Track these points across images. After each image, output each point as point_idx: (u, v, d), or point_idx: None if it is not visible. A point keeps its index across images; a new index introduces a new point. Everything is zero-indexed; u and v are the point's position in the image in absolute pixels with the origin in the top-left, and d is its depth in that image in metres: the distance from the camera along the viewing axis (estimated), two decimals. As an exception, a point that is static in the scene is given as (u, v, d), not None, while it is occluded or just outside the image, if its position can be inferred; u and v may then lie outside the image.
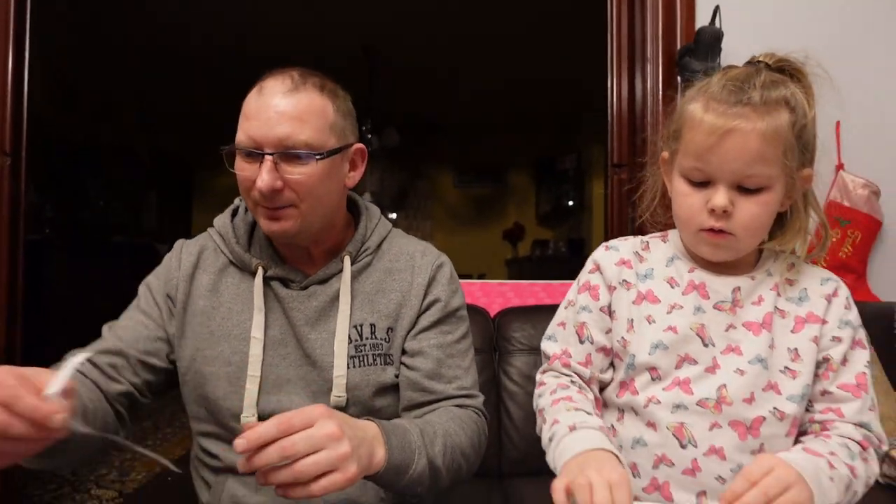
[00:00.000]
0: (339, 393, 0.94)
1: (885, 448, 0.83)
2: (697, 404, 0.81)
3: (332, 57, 4.42)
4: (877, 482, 1.47)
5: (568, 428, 0.79)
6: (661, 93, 1.96)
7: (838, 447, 0.79)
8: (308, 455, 0.67)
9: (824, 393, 0.84)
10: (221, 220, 1.05)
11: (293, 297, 0.98)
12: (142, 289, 1.02)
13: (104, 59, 4.52)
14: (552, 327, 0.95)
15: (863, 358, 0.84)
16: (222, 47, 4.25)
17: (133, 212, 5.36)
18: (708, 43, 1.84)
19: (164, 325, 0.98)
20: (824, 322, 0.84)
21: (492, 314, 1.80)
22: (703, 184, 0.81)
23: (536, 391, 0.92)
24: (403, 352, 1.00)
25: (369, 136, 4.85)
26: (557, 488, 0.67)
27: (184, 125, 5.95)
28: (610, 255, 0.93)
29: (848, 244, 1.94)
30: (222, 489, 0.95)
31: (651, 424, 0.83)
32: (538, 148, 6.54)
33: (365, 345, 0.97)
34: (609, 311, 0.91)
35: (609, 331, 0.90)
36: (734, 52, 1.92)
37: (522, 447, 1.61)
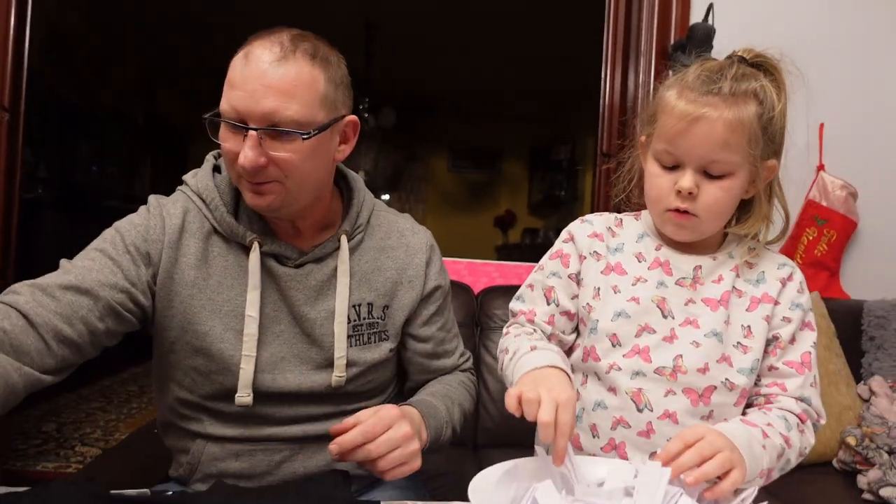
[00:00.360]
0: (339, 373, 0.95)
1: (822, 422, 0.89)
2: (655, 371, 0.87)
3: (332, 32, 4.43)
4: (833, 467, 1.55)
5: (529, 348, 0.86)
6: (652, 85, 2.00)
7: (776, 419, 0.85)
8: (388, 453, 0.82)
9: (771, 368, 0.89)
10: (201, 181, 0.95)
11: (289, 275, 0.94)
12: (111, 233, 0.91)
13: (103, 21, 4.50)
14: (522, 289, 1.00)
15: (810, 338, 0.90)
16: (221, 15, 4.24)
17: (126, 177, 5.36)
18: (700, 39, 1.89)
19: (135, 279, 0.88)
20: (777, 303, 0.90)
21: (476, 292, 1.85)
22: (673, 167, 0.86)
23: (500, 341, 0.97)
24: (409, 335, 1.05)
25: (366, 115, 4.86)
26: (511, 394, 0.72)
27: (181, 92, 5.93)
28: (584, 228, 0.98)
29: (824, 242, 2.01)
30: (201, 453, 0.95)
31: (612, 389, 0.88)
32: (533, 137, 6.58)
33: (362, 324, 0.98)
34: (577, 280, 0.96)
35: (575, 297, 0.95)
36: (725, 49, 1.96)
37: (498, 419, 1.67)
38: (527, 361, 0.82)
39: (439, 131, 6.68)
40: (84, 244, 0.93)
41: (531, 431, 0.96)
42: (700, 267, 0.91)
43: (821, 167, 2.01)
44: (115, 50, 4.95)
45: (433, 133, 6.69)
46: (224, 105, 0.85)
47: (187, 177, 0.98)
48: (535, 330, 0.94)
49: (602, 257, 0.95)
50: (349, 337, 0.96)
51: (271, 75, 0.82)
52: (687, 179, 0.84)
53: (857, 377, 1.73)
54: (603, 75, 2.15)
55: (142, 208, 0.95)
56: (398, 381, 1.11)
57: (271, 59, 0.83)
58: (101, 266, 0.86)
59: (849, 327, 1.79)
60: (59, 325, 0.79)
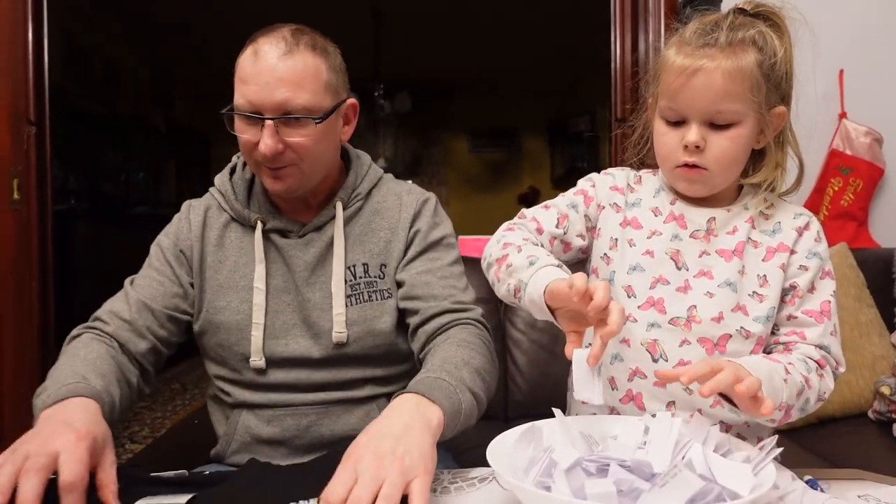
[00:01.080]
0: (339, 329, 1.00)
1: (841, 370, 0.89)
2: (669, 322, 0.88)
3: (341, 22, 4.44)
4: (868, 418, 1.53)
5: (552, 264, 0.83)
6: (663, 47, 1.97)
7: (797, 360, 0.85)
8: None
9: (790, 318, 0.89)
10: (220, 178, 1.10)
11: (291, 245, 1.03)
12: (153, 249, 1.07)
13: (118, 30, 4.58)
14: (536, 207, 1.00)
15: (829, 287, 0.89)
16: (232, 15, 4.28)
17: (153, 183, 5.48)
18: (709, -7, 1.85)
19: (179, 280, 1.04)
20: (793, 252, 0.89)
21: (497, 267, 1.86)
22: (678, 123, 0.87)
23: (502, 233, 0.96)
24: (397, 284, 1.05)
25: (381, 101, 4.87)
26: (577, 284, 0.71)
27: (200, 95, 6.02)
28: (606, 179, 0.99)
29: (850, 192, 1.96)
30: (237, 421, 1.04)
31: (626, 341, 0.90)
32: (551, 111, 6.51)
33: (359, 283, 1.03)
34: (589, 226, 0.97)
35: (580, 235, 0.97)
36: (735, 2, 1.92)
37: (527, 391, 1.69)
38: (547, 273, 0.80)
39: (456, 113, 6.66)
40: (117, 251, 1.04)
41: (561, 401, 0.98)
42: (714, 219, 0.91)
43: (843, 115, 1.96)
44: (132, 58, 5.04)
45: (450, 115, 6.67)
46: (239, 100, 0.95)
47: (216, 178, 1.11)
48: (538, 243, 0.94)
49: (621, 210, 0.96)
50: (349, 297, 1.02)
51: (281, 68, 0.92)
52: (693, 133, 0.84)
53: (891, 326, 1.70)
54: (612, 39, 2.12)
55: (174, 217, 1.11)
56: None
57: (278, 54, 0.92)
58: (150, 282, 1.03)
59: (880, 277, 1.76)
60: (136, 341, 0.99)
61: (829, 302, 0.89)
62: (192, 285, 1.05)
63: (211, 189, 1.11)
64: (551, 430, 0.73)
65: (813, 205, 1.99)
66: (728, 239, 0.90)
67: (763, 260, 0.90)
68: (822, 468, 0.95)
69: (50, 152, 2.06)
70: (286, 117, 0.93)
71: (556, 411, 0.76)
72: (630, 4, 2.08)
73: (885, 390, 1.48)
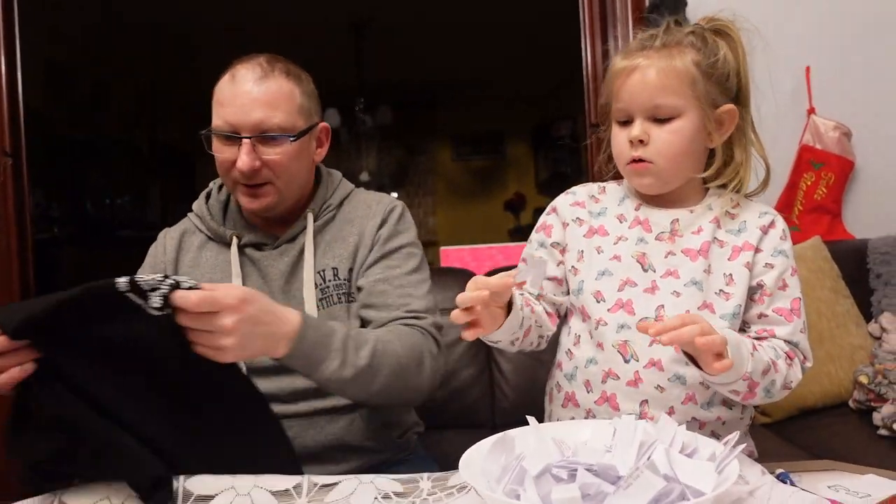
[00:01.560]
0: None
1: (808, 364, 0.91)
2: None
3: (320, 37, 4.46)
4: (849, 408, 1.55)
5: None
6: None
7: (766, 346, 0.88)
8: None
9: (761, 316, 0.91)
10: (197, 204, 1.14)
11: (266, 257, 1.08)
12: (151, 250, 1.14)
13: (96, 52, 4.57)
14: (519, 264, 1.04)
15: (797, 285, 0.92)
16: (213, 33, 4.29)
17: (138, 205, 5.46)
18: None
19: None
20: (758, 250, 0.92)
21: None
22: (626, 123, 0.92)
23: None
24: (357, 289, 1.08)
25: (362, 115, 4.89)
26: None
27: (184, 116, 6.01)
28: (567, 198, 1.04)
29: (822, 186, 2.00)
30: None
31: (600, 344, 0.93)
32: (533, 117, 6.56)
33: (328, 286, 1.06)
34: (561, 248, 1.01)
35: (560, 263, 1.01)
36: (700, 3, 1.96)
37: (512, 398, 1.70)
38: None
39: (438, 122, 6.69)
40: (103, 275, 1.04)
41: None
42: (677, 220, 0.94)
43: (811, 110, 1.99)
44: (111, 80, 5.03)
45: (432, 125, 6.70)
46: (217, 121, 1.02)
47: (193, 205, 1.16)
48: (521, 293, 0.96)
49: (584, 222, 1.00)
50: (320, 300, 1.05)
51: (257, 91, 0.99)
52: (636, 128, 0.90)
53: (868, 316, 1.73)
54: (582, 45, 2.15)
55: (151, 247, 1.16)
56: None
57: (255, 78, 1.00)
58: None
59: (854, 267, 1.78)
60: None
61: (800, 299, 0.91)
62: None
63: (189, 214, 1.15)
64: (524, 438, 0.74)
65: (787, 200, 2.02)
66: (693, 239, 0.93)
67: (729, 259, 0.92)
68: (802, 460, 0.97)
69: (28, 182, 2.05)
70: (262, 135, 0.99)
71: (531, 419, 0.77)
72: (598, 11, 2.11)
73: (864, 379, 1.50)
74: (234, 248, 1.07)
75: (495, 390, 1.73)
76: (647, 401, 0.90)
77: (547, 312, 0.98)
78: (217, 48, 4.82)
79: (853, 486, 0.77)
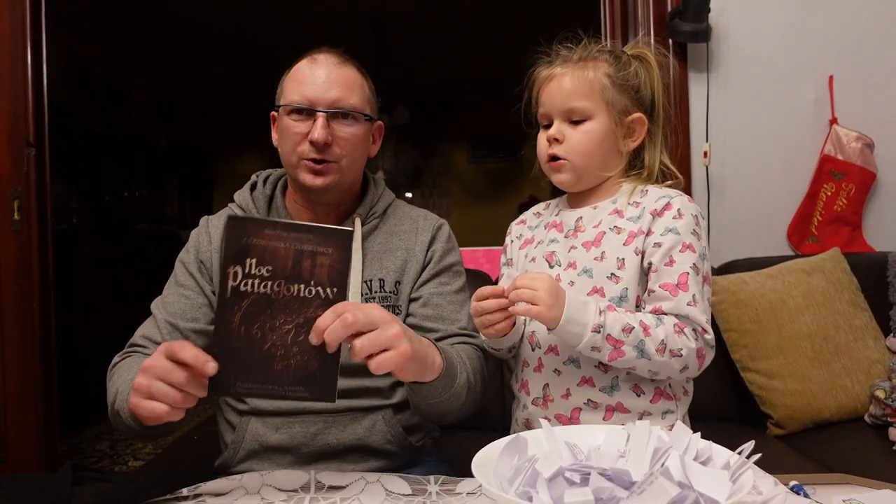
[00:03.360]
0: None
1: (708, 336, 0.95)
2: None
3: (340, 35, 4.48)
4: (864, 422, 1.53)
5: None
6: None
7: (649, 315, 0.94)
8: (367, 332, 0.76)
9: (650, 293, 0.98)
10: (241, 195, 1.15)
11: None
12: (177, 265, 1.13)
13: (119, 48, 4.63)
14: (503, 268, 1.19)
15: (689, 260, 0.96)
16: (233, 31, 4.33)
17: (155, 199, 5.52)
18: (696, 4, 1.87)
19: (203, 291, 1.09)
20: (648, 234, 0.98)
21: (494, 279, 1.88)
22: (547, 126, 1.06)
23: None
24: (410, 300, 1.12)
25: (380, 115, 4.90)
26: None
27: (202, 112, 6.07)
28: (516, 221, 1.19)
29: (843, 197, 1.97)
30: (246, 428, 1.06)
31: (523, 338, 1.06)
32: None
33: (374, 298, 1.08)
34: (511, 263, 1.16)
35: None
36: (722, 11, 1.95)
37: (524, 401, 1.69)
38: None
39: (455, 124, 6.70)
40: (121, 268, 1.06)
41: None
42: (581, 217, 1.06)
43: (833, 120, 1.97)
44: (132, 76, 5.10)
45: (449, 126, 6.72)
46: (293, 96, 1.05)
47: (235, 196, 1.16)
48: None
49: (522, 236, 1.15)
50: None
51: (336, 72, 1.06)
52: (553, 128, 1.03)
53: (887, 330, 1.70)
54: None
55: (193, 231, 1.16)
56: None
57: (335, 62, 1.07)
58: (176, 298, 1.08)
59: (874, 280, 1.76)
60: None
61: (687, 274, 0.95)
62: (214, 294, 1.08)
63: (230, 204, 1.16)
64: (536, 441, 0.74)
65: (806, 210, 2.00)
66: (592, 232, 1.03)
67: (624, 244, 0.99)
68: (815, 473, 0.96)
69: (49, 173, 2.09)
70: (338, 110, 1.04)
71: (543, 422, 0.77)
72: (620, 17, 2.11)
73: (881, 394, 1.48)
74: None
75: (505, 394, 1.73)
76: (548, 384, 1.01)
77: None
78: (236, 47, 4.87)
79: (868, 500, 0.76)
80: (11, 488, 0.69)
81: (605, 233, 1.01)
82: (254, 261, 0.70)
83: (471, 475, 0.88)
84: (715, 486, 0.59)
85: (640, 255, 0.98)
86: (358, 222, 1.10)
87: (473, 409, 1.04)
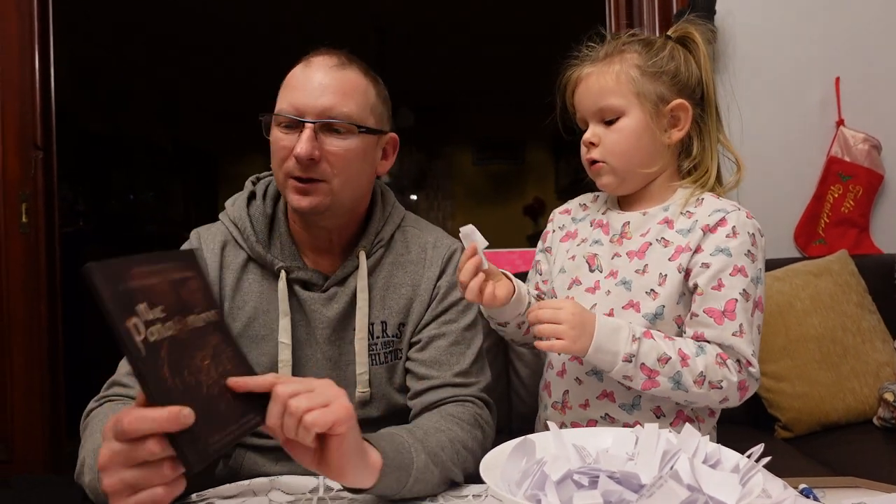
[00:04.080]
0: (362, 389, 0.97)
1: (752, 369, 0.89)
2: None
3: (344, 38, 4.49)
4: (873, 425, 1.52)
5: None
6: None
7: (688, 342, 0.89)
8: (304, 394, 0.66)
9: (692, 316, 0.92)
10: (237, 209, 1.01)
11: (315, 300, 0.97)
12: None
13: (124, 52, 4.65)
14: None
15: (738, 285, 0.89)
16: (238, 33, 4.34)
17: (161, 202, 5.54)
18: (702, 5, 1.87)
19: None
20: (698, 251, 0.91)
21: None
22: (586, 128, 1.00)
23: None
24: (409, 346, 1.00)
25: (384, 117, 4.90)
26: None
27: (206, 114, 6.09)
28: (560, 209, 1.13)
29: (850, 199, 1.97)
30: (241, 462, 0.99)
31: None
32: (555, 122, 6.54)
33: (377, 343, 0.98)
34: (551, 252, 1.10)
35: (551, 264, 1.09)
36: (728, 13, 1.94)
37: (530, 403, 1.69)
38: None
39: (460, 126, 6.69)
40: None
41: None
42: (628, 223, 0.99)
43: (840, 122, 1.96)
44: (138, 79, 5.11)
45: (454, 129, 6.70)
46: (282, 104, 0.93)
47: (227, 203, 1.04)
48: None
49: (564, 228, 1.09)
50: (369, 355, 0.98)
51: (331, 77, 0.92)
52: (588, 131, 0.98)
53: (894, 332, 1.69)
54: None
55: (184, 248, 1.01)
56: None
57: (331, 65, 0.93)
58: None
59: (882, 283, 1.75)
60: None
61: (736, 301, 0.89)
62: None
63: (223, 218, 1.03)
64: (544, 443, 0.74)
65: (813, 212, 1.99)
66: (639, 241, 0.97)
67: (669, 259, 0.93)
68: (824, 476, 0.95)
69: (57, 176, 2.10)
70: (328, 120, 0.90)
71: (551, 424, 0.77)
72: (625, 17, 2.10)
73: (889, 397, 1.47)
74: (282, 283, 0.96)
75: (512, 395, 1.73)
76: (568, 391, 0.98)
77: None
78: (241, 51, 4.87)
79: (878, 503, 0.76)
80: (24, 490, 0.68)
81: (650, 244, 0.95)
82: (144, 305, 0.59)
83: (473, 481, 0.89)
84: (725, 489, 0.59)
85: (683, 273, 0.91)
86: (363, 258, 0.98)
87: (473, 468, 0.85)
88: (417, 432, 0.85)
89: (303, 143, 0.88)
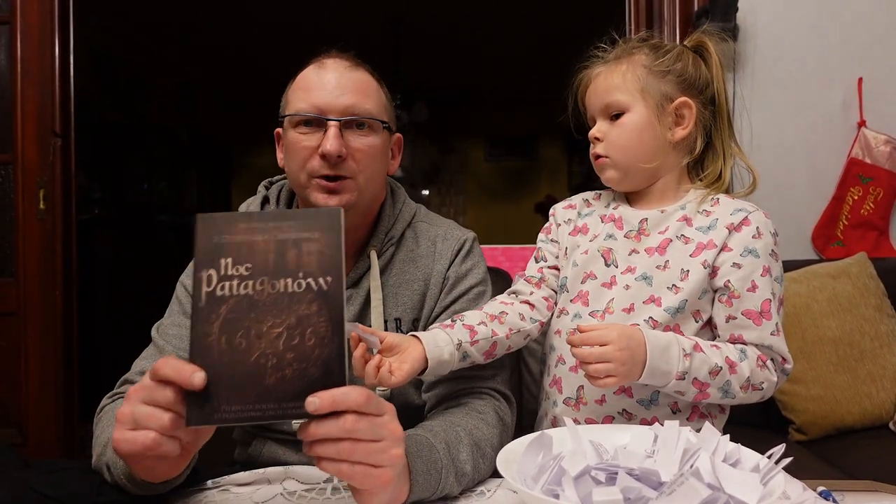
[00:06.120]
0: (381, 389, 0.96)
1: (788, 366, 0.92)
2: (589, 314, 0.98)
3: (360, 31, 4.49)
4: (889, 429, 1.51)
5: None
6: (678, 55, 1.97)
7: (731, 348, 0.89)
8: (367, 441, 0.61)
9: (729, 319, 0.92)
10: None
11: None
12: (180, 290, 1.00)
13: (142, 41, 4.67)
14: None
15: (768, 286, 0.91)
16: (253, 23, 4.35)
17: (175, 191, 5.57)
18: (724, 4, 1.85)
19: None
20: (724, 248, 0.92)
21: (512, 276, 1.87)
22: (593, 126, 1.02)
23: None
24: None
25: (399, 111, 4.90)
26: None
27: (221, 105, 6.11)
28: (562, 203, 1.13)
29: (870, 201, 1.94)
30: (261, 450, 0.99)
31: (558, 332, 1.01)
32: (568, 120, 6.51)
33: None
34: (557, 244, 1.09)
35: (556, 256, 1.09)
36: (751, 11, 1.92)
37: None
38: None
39: (473, 122, 6.68)
40: (140, 260, 1.00)
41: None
42: (646, 219, 0.99)
43: (862, 123, 1.94)
44: (155, 69, 5.14)
45: (467, 124, 6.70)
46: (299, 105, 0.93)
47: (241, 207, 1.05)
48: (512, 293, 1.06)
49: (572, 222, 1.08)
50: None
51: (347, 77, 0.94)
52: (595, 127, 1.00)
53: (913, 337, 1.67)
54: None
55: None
56: None
57: (345, 66, 0.95)
58: (181, 330, 0.96)
59: (899, 286, 1.73)
60: None
61: (770, 301, 0.91)
62: None
63: None
64: (561, 439, 0.73)
65: (832, 213, 1.97)
66: (658, 237, 0.97)
67: (691, 255, 0.94)
68: (839, 479, 0.94)
69: (75, 163, 2.11)
70: (353, 117, 0.92)
71: (567, 420, 0.77)
72: (645, 15, 2.09)
73: (906, 402, 1.46)
74: None
75: (524, 391, 1.72)
76: (582, 386, 0.96)
77: (545, 298, 1.05)
78: (256, 44, 4.88)
79: (899, 508, 0.75)
80: (44, 473, 0.69)
81: (671, 240, 0.95)
82: (229, 260, 0.59)
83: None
84: (746, 488, 0.58)
85: (709, 269, 0.92)
86: (374, 257, 0.99)
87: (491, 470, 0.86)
88: (452, 446, 0.82)
89: (331, 140, 0.89)
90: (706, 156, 1.01)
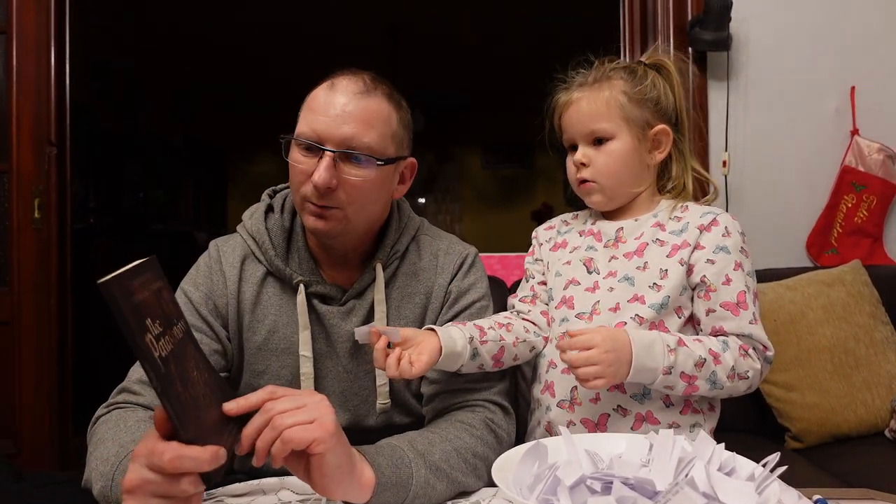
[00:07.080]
0: (383, 400, 0.98)
1: (769, 353, 0.96)
2: (576, 317, 1.01)
3: (357, 36, 4.51)
4: (884, 437, 1.51)
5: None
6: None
7: (713, 340, 0.94)
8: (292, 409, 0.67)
9: (709, 312, 0.97)
10: (255, 222, 1.02)
11: (333, 314, 0.98)
12: (181, 299, 0.98)
13: (138, 50, 4.68)
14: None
15: (741, 279, 0.97)
16: (249, 29, 4.35)
17: (171, 199, 5.56)
18: (717, 13, 1.86)
19: (217, 336, 0.97)
20: (697, 247, 0.99)
21: (508, 285, 1.87)
22: (573, 149, 1.06)
23: None
24: None
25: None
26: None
27: (218, 112, 6.12)
28: (544, 226, 1.18)
29: (863, 209, 1.95)
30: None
31: (545, 338, 1.05)
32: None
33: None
34: (542, 263, 1.14)
35: (543, 273, 1.14)
36: (744, 20, 1.94)
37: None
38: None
39: (470, 130, 6.71)
40: None
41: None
42: (622, 228, 1.05)
43: (854, 131, 1.95)
44: (151, 77, 5.15)
45: (464, 132, 6.72)
46: (303, 127, 0.92)
47: (245, 216, 1.05)
48: (512, 310, 1.11)
49: (552, 240, 1.14)
50: None
51: (354, 105, 0.91)
52: (578, 152, 1.05)
53: (906, 344, 1.67)
54: (621, 59, 2.13)
55: (202, 261, 1.02)
56: None
57: (355, 91, 0.92)
58: None
59: (894, 294, 1.74)
60: None
61: (745, 292, 0.96)
62: (229, 340, 0.99)
63: (241, 230, 1.03)
64: (556, 448, 0.73)
65: (826, 221, 1.98)
66: (634, 243, 1.03)
67: (667, 256, 1.00)
68: (836, 487, 0.94)
69: (70, 172, 2.11)
70: (347, 151, 0.90)
71: (563, 429, 0.77)
72: (639, 25, 2.10)
73: (902, 409, 1.46)
74: (301, 297, 0.96)
75: (519, 399, 1.72)
76: (575, 387, 0.99)
77: (543, 314, 1.09)
78: (254, 50, 4.89)
79: (894, 516, 0.75)
80: (36, 486, 0.69)
81: (647, 244, 1.01)
82: (149, 320, 0.57)
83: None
84: (741, 497, 0.58)
85: (685, 266, 0.98)
86: (379, 270, 0.99)
87: (488, 473, 0.85)
88: (420, 444, 0.84)
89: (321, 173, 0.88)
90: (669, 168, 1.09)
